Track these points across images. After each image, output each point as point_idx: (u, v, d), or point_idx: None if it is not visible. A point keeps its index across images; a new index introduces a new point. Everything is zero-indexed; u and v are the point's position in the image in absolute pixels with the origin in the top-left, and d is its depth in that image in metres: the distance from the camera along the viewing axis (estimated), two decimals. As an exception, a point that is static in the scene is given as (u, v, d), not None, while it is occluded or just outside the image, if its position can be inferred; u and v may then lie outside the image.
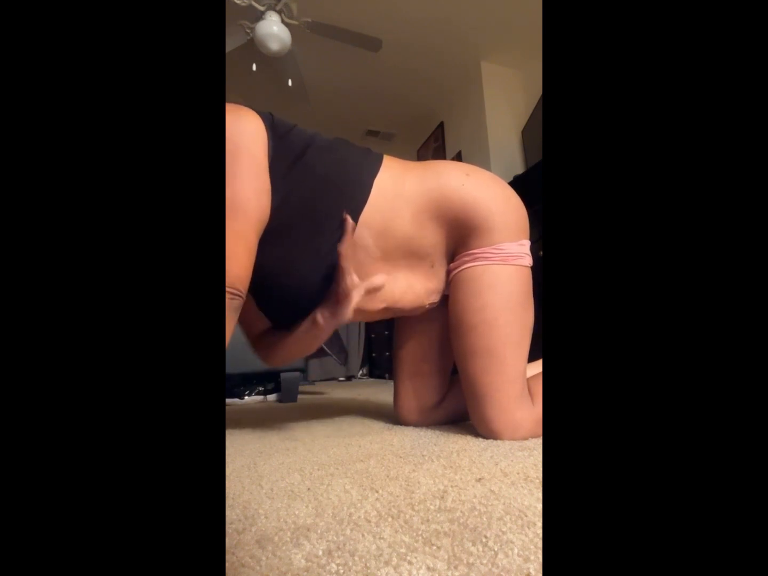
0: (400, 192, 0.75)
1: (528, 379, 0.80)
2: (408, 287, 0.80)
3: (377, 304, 0.79)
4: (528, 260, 0.79)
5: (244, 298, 0.66)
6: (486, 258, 0.76)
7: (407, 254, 0.78)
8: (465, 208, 0.76)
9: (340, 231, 0.72)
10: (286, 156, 0.70)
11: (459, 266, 0.79)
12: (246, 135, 0.66)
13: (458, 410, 0.92)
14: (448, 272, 0.82)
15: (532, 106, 2.66)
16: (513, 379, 0.74)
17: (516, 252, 0.77)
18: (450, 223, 0.77)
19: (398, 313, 0.85)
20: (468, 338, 0.77)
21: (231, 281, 0.62)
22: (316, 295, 0.75)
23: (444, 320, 0.85)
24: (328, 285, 0.74)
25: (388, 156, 0.80)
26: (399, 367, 0.96)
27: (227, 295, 0.62)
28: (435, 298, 0.84)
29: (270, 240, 0.69)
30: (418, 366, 0.93)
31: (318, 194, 0.71)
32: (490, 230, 0.76)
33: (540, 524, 0.37)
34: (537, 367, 0.92)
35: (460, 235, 0.78)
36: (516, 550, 0.33)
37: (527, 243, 0.80)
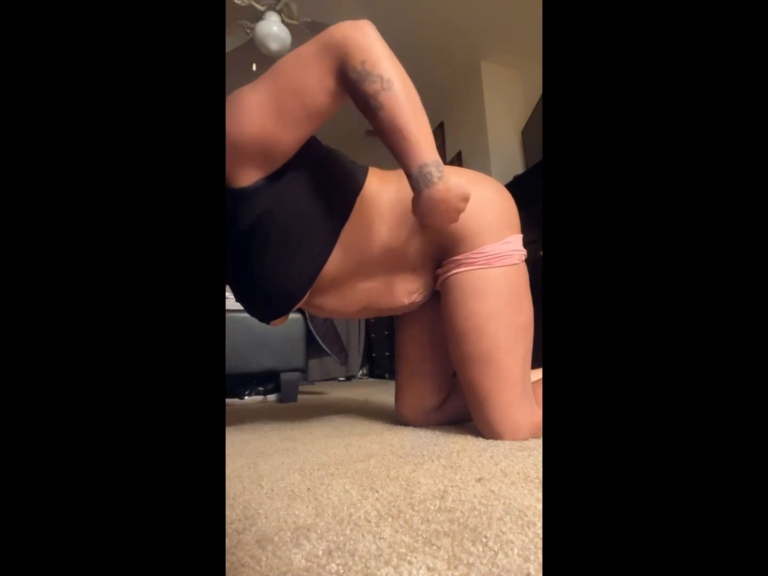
0: (378, 208, 0.75)
1: (533, 383, 0.80)
2: (385, 289, 0.80)
3: (354, 305, 0.81)
4: (516, 257, 0.77)
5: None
6: (469, 263, 0.75)
7: (385, 262, 0.78)
8: None
9: (318, 246, 0.71)
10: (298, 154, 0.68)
11: (445, 273, 0.79)
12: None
13: (460, 412, 0.92)
14: (437, 277, 0.82)
15: (532, 106, 2.66)
16: (512, 383, 0.74)
17: (500, 252, 0.75)
18: (427, 232, 0.77)
19: (378, 313, 0.87)
20: (460, 346, 0.77)
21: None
22: (290, 301, 0.76)
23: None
24: (302, 294, 0.75)
25: (372, 169, 0.79)
26: (400, 366, 0.96)
27: None
28: (417, 297, 0.84)
29: (255, 243, 0.69)
30: (419, 366, 0.93)
31: (302, 209, 0.70)
32: (470, 235, 0.75)
33: (540, 524, 0.37)
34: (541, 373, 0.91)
35: (440, 243, 0.78)
36: (516, 550, 0.33)
37: (515, 238, 0.78)
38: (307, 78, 0.60)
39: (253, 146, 0.61)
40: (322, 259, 0.72)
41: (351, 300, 0.81)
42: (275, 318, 0.81)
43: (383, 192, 0.75)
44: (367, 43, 0.58)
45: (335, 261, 0.73)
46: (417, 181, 0.60)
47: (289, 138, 0.63)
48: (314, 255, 0.71)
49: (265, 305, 0.78)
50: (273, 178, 0.66)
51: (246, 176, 0.64)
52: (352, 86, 0.59)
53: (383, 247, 0.76)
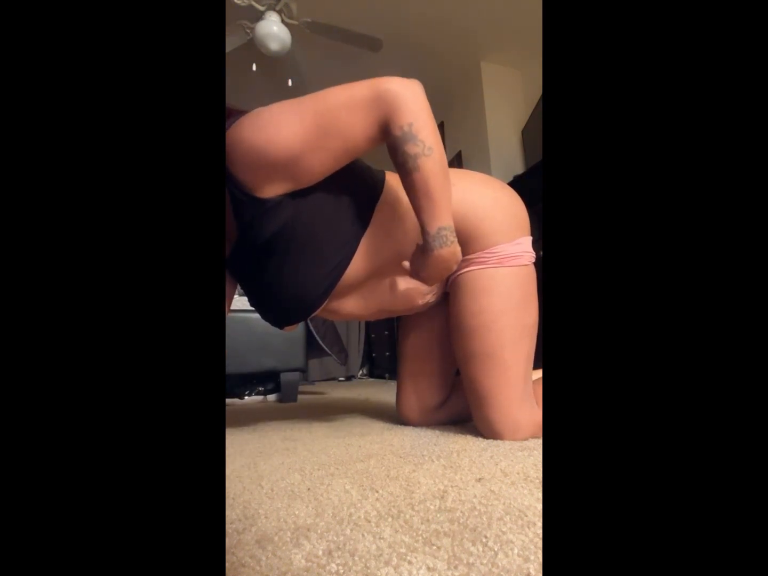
0: (397, 212, 0.76)
1: (533, 383, 0.80)
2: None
3: (369, 308, 0.82)
4: (527, 258, 0.78)
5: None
6: (480, 262, 0.76)
7: (400, 265, 0.78)
8: (454, 220, 0.75)
9: (339, 256, 0.72)
10: None
11: (456, 271, 0.79)
12: None
13: (461, 412, 0.92)
14: (448, 276, 0.82)
15: (532, 106, 2.66)
16: (514, 382, 0.74)
17: (511, 253, 0.76)
18: None
19: (392, 314, 0.87)
20: (467, 342, 0.77)
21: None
22: (309, 309, 0.76)
23: (446, 320, 0.86)
24: (321, 303, 0.76)
25: (389, 173, 0.79)
26: (401, 365, 0.96)
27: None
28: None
29: (276, 252, 0.70)
30: (421, 365, 0.93)
31: (324, 219, 0.71)
32: (482, 236, 0.76)
33: (540, 524, 0.37)
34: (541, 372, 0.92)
35: None
36: (516, 550, 0.33)
37: (525, 240, 0.79)
38: (354, 122, 0.63)
39: (288, 167, 0.63)
40: (343, 267, 0.73)
41: (367, 304, 0.81)
42: (291, 324, 0.82)
43: (401, 196, 0.76)
44: (417, 107, 0.62)
45: (354, 267, 0.74)
46: (434, 240, 0.65)
47: (323, 169, 0.66)
48: (335, 264, 0.72)
49: (283, 313, 0.79)
50: (297, 192, 0.67)
51: (272, 189, 0.65)
52: (394, 142, 0.63)
53: (401, 250, 0.76)
